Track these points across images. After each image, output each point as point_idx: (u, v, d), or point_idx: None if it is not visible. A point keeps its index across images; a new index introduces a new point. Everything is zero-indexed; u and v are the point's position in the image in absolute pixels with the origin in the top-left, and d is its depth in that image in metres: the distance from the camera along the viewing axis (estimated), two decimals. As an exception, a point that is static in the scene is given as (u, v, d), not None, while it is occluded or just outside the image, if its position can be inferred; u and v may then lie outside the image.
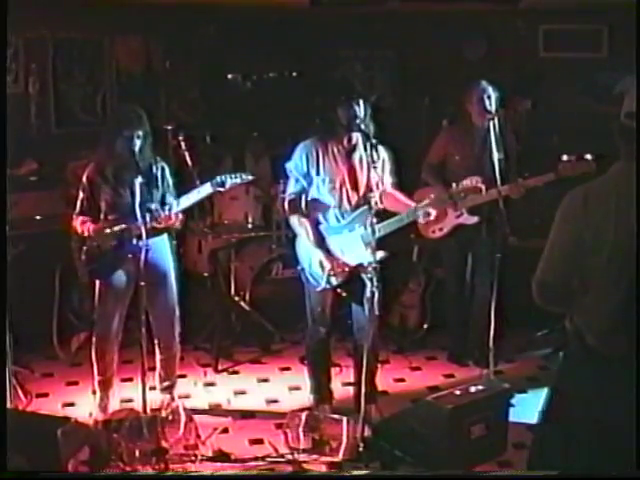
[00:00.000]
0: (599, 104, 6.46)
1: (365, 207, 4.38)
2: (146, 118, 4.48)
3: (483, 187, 4.55)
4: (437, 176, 5.35)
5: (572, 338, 2.89)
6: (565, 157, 4.84)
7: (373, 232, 4.23)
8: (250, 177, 4.63)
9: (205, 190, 4.48)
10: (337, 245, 4.48)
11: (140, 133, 4.41)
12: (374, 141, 4.33)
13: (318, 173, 4.47)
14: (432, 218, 4.43)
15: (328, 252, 4.46)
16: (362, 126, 4.30)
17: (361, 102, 4.34)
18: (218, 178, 4.46)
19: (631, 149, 2.75)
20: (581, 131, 6.21)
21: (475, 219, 5.26)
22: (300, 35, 7.22)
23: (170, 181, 4.63)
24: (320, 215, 4.51)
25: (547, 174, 4.94)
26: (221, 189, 4.48)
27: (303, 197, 4.52)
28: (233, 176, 4.51)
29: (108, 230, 4.46)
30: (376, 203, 4.33)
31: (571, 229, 2.83)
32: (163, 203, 4.54)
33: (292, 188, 4.54)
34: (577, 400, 2.86)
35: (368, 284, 4.22)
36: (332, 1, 6.56)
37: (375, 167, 4.37)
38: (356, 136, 4.41)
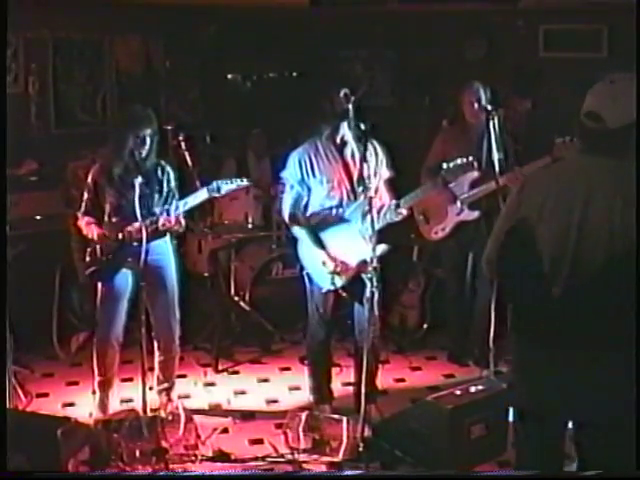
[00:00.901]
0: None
1: (360, 201, 4.37)
2: (154, 117, 4.49)
3: (476, 163, 4.53)
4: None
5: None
6: (559, 139, 4.83)
7: (372, 226, 4.22)
8: (246, 182, 4.63)
9: (201, 195, 4.48)
10: (337, 243, 4.48)
11: (150, 132, 4.42)
12: (366, 136, 4.33)
13: (315, 176, 4.46)
14: (402, 217, 4.44)
15: (330, 252, 4.47)
16: (351, 115, 4.29)
17: (349, 93, 4.33)
18: (214, 183, 4.47)
19: (587, 146, 2.87)
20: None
21: (476, 214, 5.26)
22: (300, 35, 7.22)
23: (173, 184, 4.62)
24: (324, 219, 4.51)
25: (543, 157, 4.93)
26: (216, 195, 4.49)
27: (302, 202, 4.52)
28: (228, 182, 4.51)
29: (111, 234, 4.46)
30: (371, 197, 4.32)
31: (506, 213, 3.05)
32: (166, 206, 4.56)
33: (289, 197, 4.55)
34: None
35: (368, 284, 4.21)
36: (332, 1, 6.56)
37: (367, 160, 4.37)
38: (346, 129, 4.39)
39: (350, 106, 4.30)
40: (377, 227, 4.27)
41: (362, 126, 4.29)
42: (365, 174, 4.32)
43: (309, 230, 4.50)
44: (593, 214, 2.80)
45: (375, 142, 4.50)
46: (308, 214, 4.53)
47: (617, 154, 2.82)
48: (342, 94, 4.31)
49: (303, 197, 4.51)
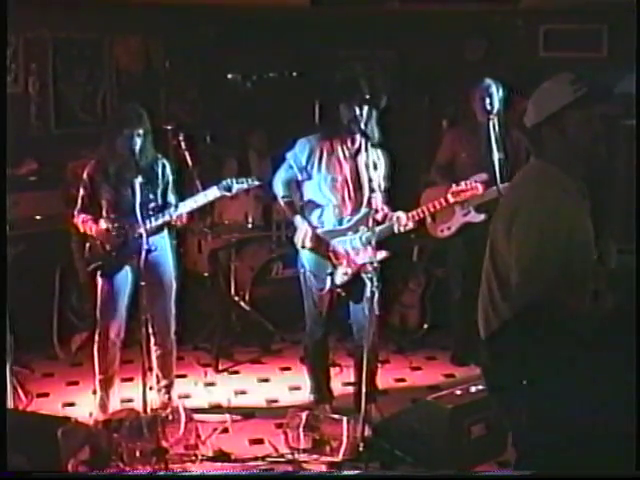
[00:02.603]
0: (599, 104, 6.45)
1: (368, 209, 4.40)
2: (147, 116, 4.48)
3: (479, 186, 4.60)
4: (445, 176, 5.35)
5: None
6: None
7: (374, 233, 4.25)
8: (257, 182, 4.64)
9: (212, 193, 4.49)
10: (343, 248, 4.50)
11: (140, 132, 4.41)
12: (376, 143, 4.36)
13: (320, 170, 4.48)
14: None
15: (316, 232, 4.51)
16: (364, 128, 4.31)
17: (364, 104, 4.34)
18: (224, 182, 4.47)
19: (535, 149, 2.88)
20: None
21: (482, 217, 5.25)
22: (300, 35, 7.22)
23: (170, 177, 4.63)
24: (319, 214, 4.52)
25: None
26: (227, 194, 4.50)
27: (294, 183, 4.57)
28: (240, 181, 4.52)
29: (109, 227, 4.47)
30: (375, 207, 4.37)
31: None
32: (165, 199, 4.56)
33: (283, 174, 4.58)
34: None
35: (368, 284, 4.23)
36: (332, 1, 6.55)
37: (376, 169, 4.40)
38: (359, 137, 4.41)
39: (364, 115, 4.32)
40: (378, 238, 4.32)
41: (376, 134, 4.32)
42: (374, 183, 4.35)
43: (298, 206, 4.57)
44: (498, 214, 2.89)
45: (382, 152, 4.51)
46: (304, 201, 4.56)
47: (534, 152, 2.88)
48: (357, 105, 4.32)
49: (296, 180, 4.54)
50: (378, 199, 4.47)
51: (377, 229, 4.36)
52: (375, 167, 4.39)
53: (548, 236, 2.64)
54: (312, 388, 4.84)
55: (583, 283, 2.70)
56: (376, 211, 4.41)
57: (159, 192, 4.56)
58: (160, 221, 4.45)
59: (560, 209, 2.68)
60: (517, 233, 2.71)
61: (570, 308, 2.65)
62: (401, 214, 4.48)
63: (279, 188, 4.61)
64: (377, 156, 4.43)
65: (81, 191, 4.58)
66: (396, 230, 4.47)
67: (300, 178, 4.53)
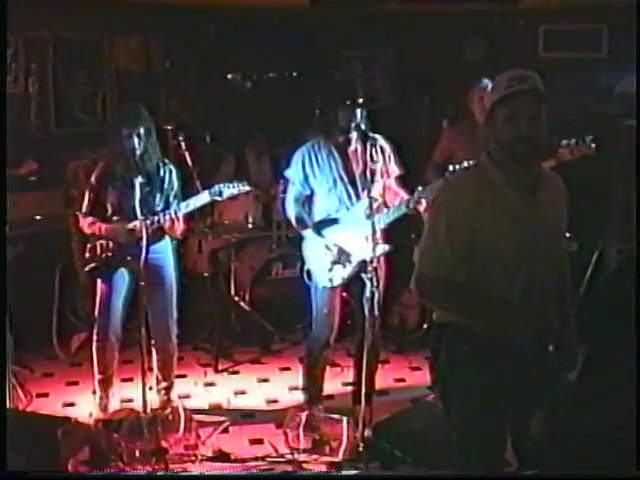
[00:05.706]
0: (599, 104, 6.46)
1: (363, 200, 4.38)
2: (147, 115, 4.47)
3: None
4: (440, 174, 5.35)
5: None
6: (565, 142, 4.82)
7: (373, 225, 4.22)
8: (247, 188, 4.64)
9: (203, 198, 4.50)
10: (340, 238, 4.49)
11: (140, 131, 4.39)
12: (371, 135, 4.35)
13: (315, 176, 4.48)
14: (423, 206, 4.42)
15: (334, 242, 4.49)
16: (359, 127, 4.30)
17: (358, 104, 4.34)
18: (216, 187, 4.48)
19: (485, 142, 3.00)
20: (581, 131, 6.21)
21: None
22: (300, 35, 7.22)
23: (175, 184, 4.61)
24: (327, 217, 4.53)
25: (548, 160, 4.92)
26: (218, 198, 4.51)
27: (303, 200, 4.56)
28: (230, 186, 4.52)
29: (122, 225, 4.46)
30: (375, 197, 4.34)
31: None
32: (166, 206, 4.55)
33: (290, 196, 4.59)
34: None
35: (368, 284, 4.21)
36: (332, 1, 6.55)
37: (374, 161, 4.38)
38: (353, 135, 4.40)
39: (358, 115, 4.31)
40: (388, 220, 4.34)
41: (365, 126, 4.31)
42: (368, 173, 4.33)
43: (313, 229, 4.52)
44: None
45: (382, 140, 4.50)
46: (312, 214, 4.55)
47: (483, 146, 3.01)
48: (352, 106, 4.32)
49: (304, 195, 4.54)
50: (375, 190, 4.43)
51: (376, 218, 4.34)
52: (373, 159, 4.38)
53: (448, 219, 2.87)
54: (304, 388, 4.80)
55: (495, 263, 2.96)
56: (371, 202, 4.38)
57: (161, 197, 4.54)
58: (155, 225, 4.44)
59: (465, 199, 2.86)
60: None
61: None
62: (417, 193, 4.40)
63: (291, 208, 4.59)
64: (375, 148, 4.42)
65: (87, 194, 4.56)
66: (404, 209, 4.41)
67: (306, 192, 4.53)
